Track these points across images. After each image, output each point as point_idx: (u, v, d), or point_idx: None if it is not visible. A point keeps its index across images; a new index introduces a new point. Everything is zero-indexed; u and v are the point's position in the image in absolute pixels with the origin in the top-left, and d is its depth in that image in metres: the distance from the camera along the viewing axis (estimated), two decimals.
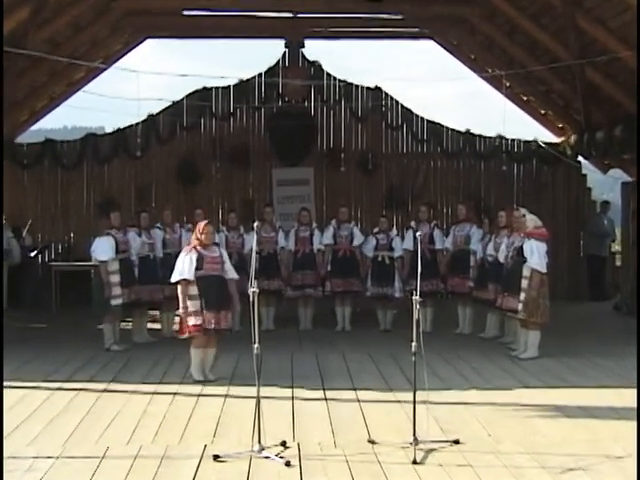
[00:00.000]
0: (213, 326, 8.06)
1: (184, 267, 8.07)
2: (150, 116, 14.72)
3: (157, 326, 11.32)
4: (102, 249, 10.05)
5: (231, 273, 8.29)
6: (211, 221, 8.68)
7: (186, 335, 8.15)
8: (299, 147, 14.81)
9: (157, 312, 11.36)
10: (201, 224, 8.30)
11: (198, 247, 8.15)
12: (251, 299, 6.08)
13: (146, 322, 10.99)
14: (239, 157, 14.87)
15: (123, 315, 10.67)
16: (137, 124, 14.79)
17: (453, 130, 15.27)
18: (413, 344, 6.07)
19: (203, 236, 8.16)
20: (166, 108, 14.81)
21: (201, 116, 14.94)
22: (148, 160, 14.89)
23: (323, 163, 15.10)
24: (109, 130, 15.43)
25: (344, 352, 9.83)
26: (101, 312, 10.18)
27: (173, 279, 8.18)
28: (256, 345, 6.10)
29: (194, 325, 8.04)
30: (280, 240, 11.72)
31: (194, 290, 8.04)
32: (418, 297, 6.15)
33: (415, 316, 6.07)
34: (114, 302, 10.07)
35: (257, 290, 6.13)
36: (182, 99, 14.79)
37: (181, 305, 8.07)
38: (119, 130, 14.82)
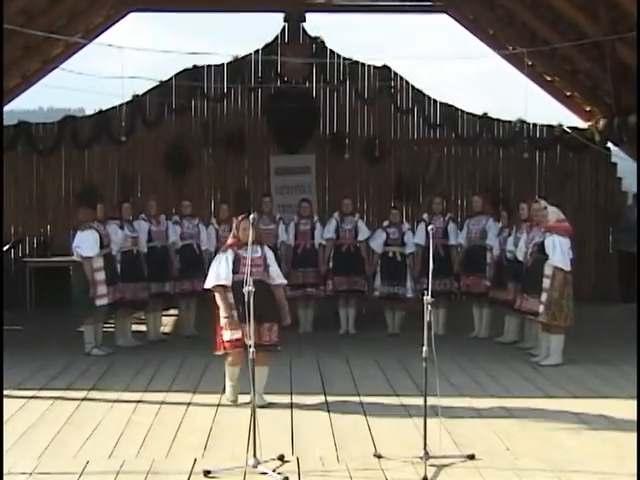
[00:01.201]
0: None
1: (219, 270, 7.49)
2: (135, 97, 14.69)
3: (142, 328, 11.33)
4: (87, 244, 10.03)
5: (278, 277, 7.72)
6: (248, 215, 7.43)
7: (221, 352, 7.58)
8: (299, 132, 14.79)
9: (142, 312, 11.37)
10: (238, 219, 7.62)
11: (235, 246, 7.55)
12: (246, 299, 6.09)
13: (130, 324, 10.99)
14: (233, 143, 14.85)
15: (108, 316, 10.67)
16: (121, 106, 14.75)
17: (469, 114, 15.25)
18: (424, 349, 6.07)
19: (241, 232, 7.48)
20: (153, 88, 14.79)
21: (191, 97, 14.91)
22: (133, 145, 14.86)
23: (326, 150, 15.08)
24: (90, 112, 15.40)
25: (348, 357, 9.85)
26: (84, 313, 10.20)
27: (207, 285, 7.60)
28: (251, 349, 6.12)
29: (229, 341, 7.44)
30: (281, 233, 11.73)
31: (230, 298, 7.43)
32: (430, 297, 6.16)
33: (426, 318, 6.07)
34: (99, 302, 10.08)
35: (253, 289, 6.14)
36: (170, 78, 14.76)
37: (222, 314, 7.41)
38: (101, 112, 14.79)
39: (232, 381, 7.74)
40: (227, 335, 7.43)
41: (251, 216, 6.62)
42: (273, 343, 7.52)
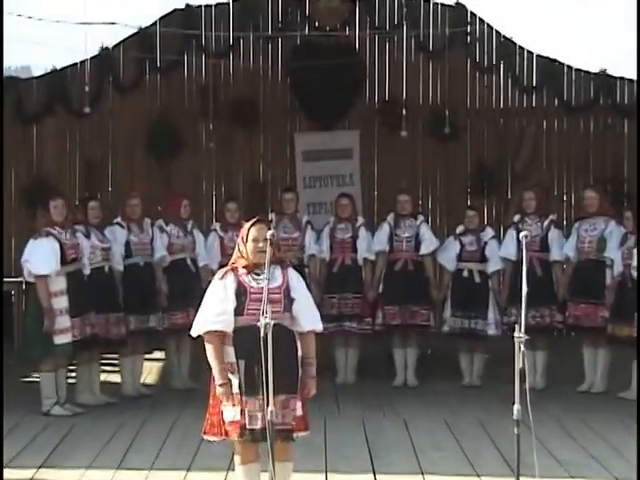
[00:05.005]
0: (260, 424, 6.35)
1: (212, 307, 6.60)
2: (104, 50, 14.77)
3: (115, 378, 11.39)
4: (41, 257, 10.07)
5: (308, 321, 6.74)
6: (262, 219, 6.89)
7: (216, 438, 6.71)
8: (336, 100, 14.82)
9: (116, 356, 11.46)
10: (246, 226, 6.69)
11: (239, 269, 6.65)
12: (262, 333, 6.07)
13: (98, 372, 11.04)
14: (243, 115, 14.91)
15: (71, 359, 10.70)
16: (83, 63, 14.84)
17: (580, 71, 15.19)
18: (515, 407, 6.07)
19: (250, 247, 6.58)
20: (128, 38, 14.87)
21: (183, 51, 14.98)
22: (101, 119, 14.97)
23: (374, 125, 15.13)
24: (39, 72, 15.54)
25: (406, 419, 9.87)
26: (39, 355, 10.28)
27: (193, 332, 6.74)
28: (270, 408, 6.09)
29: (232, 422, 6.55)
30: (309, 243, 11.75)
31: (231, 355, 6.57)
32: (523, 334, 6.14)
33: (519, 364, 6.06)
34: (58, 340, 10.12)
35: (271, 322, 6.11)
36: (153, 24, 14.82)
37: (216, 379, 6.59)
38: (55, 72, 14.88)
39: None
40: (229, 413, 6.58)
41: (269, 232, 6.34)
42: (288, 428, 6.66)
